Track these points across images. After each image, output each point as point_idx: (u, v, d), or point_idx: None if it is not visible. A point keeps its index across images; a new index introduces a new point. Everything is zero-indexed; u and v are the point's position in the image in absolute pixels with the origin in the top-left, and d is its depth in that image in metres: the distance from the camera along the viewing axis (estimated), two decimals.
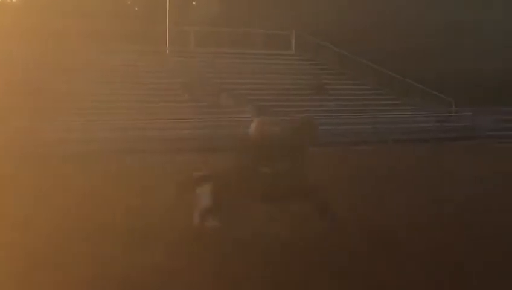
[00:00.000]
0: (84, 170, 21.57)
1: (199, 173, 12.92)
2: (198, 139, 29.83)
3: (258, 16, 43.56)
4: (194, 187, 13.01)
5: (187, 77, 37.18)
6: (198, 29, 42.38)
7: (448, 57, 45.33)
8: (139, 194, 16.71)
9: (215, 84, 37.23)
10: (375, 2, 46.71)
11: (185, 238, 12.02)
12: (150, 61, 38.08)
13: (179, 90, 36.39)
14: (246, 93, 37.50)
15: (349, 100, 39.26)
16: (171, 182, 15.04)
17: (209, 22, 42.26)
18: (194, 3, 44.98)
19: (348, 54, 43.17)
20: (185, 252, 11.15)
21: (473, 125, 37.29)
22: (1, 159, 22.63)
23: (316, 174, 18.85)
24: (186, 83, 36.58)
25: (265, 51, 42.91)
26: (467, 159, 27.75)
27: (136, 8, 41.55)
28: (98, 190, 17.28)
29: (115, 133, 29.30)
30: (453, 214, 14.70)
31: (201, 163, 20.14)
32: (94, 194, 16.57)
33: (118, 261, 10.52)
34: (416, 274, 9.98)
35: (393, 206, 15.50)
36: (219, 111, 34.56)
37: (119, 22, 39.49)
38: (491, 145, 33.47)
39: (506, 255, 11.14)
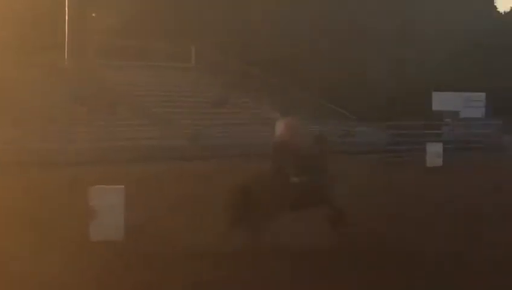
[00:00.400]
0: None
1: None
2: (95, 151, 29.38)
3: (159, 29, 43.33)
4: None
5: (86, 89, 36.62)
6: (97, 41, 41.83)
7: (349, 73, 46.08)
8: (31, 206, 16.46)
9: (114, 96, 36.86)
10: (281, 19, 47.06)
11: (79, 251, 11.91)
12: (48, 73, 37.34)
13: (77, 102, 35.76)
14: (145, 106, 37.25)
15: (247, 113, 39.44)
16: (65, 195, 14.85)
17: (108, 34, 41.82)
18: (93, 15, 44.33)
19: (248, 68, 43.33)
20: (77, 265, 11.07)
21: (372, 140, 37.80)
22: None
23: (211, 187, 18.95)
24: (84, 95, 36.00)
25: (165, 64, 42.68)
26: (365, 172, 28.30)
27: (34, 19, 40.66)
28: None
29: (6, 146, 28.46)
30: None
31: (97, 175, 19.92)
32: None
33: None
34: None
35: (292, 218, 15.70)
36: (117, 124, 34.23)
37: (14, 32, 38.68)
38: (388, 159, 34.16)
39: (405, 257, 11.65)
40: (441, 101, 43.71)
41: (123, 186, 13.44)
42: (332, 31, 47.45)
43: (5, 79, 34.66)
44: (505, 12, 62.83)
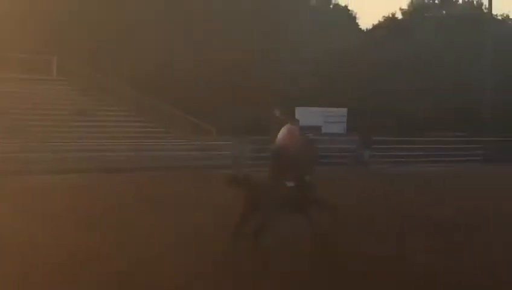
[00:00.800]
0: None
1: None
2: None
3: (19, 40, 42.21)
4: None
5: None
6: None
7: (213, 87, 46.20)
8: None
9: None
10: (147, 33, 46.72)
11: None
12: None
13: None
14: (4, 118, 36.23)
15: (111, 127, 38.93)
16: None
17: None
18: None
19: (111, 80, 42.78)
20: None
21: (232, 153, 37.88)
22: None
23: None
24: None
25: (26, 75, 41.61)
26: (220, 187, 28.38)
27: None
28: None
29: None
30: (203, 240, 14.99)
31: None
32: None
33: None
34: None
35: (151, 235, 15.57)
36: None
37: None
38: (251, 173, 34.36)
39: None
40: (304, 116, 44.32)
41: None
42: (196, 47, 47.45)
43: None
44: (367, 29, 64.56)
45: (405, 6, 66.75)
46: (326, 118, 45.53)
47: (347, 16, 62.67)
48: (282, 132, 14.83)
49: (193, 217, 17.88)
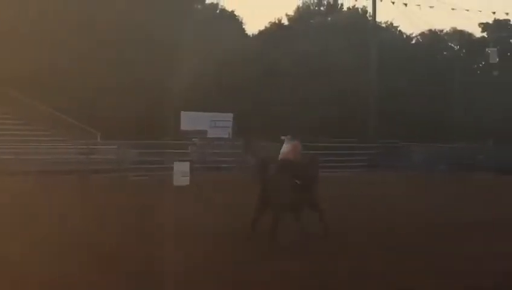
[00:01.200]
0: None
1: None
2: None
3: None
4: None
5: None
6: None
7: (94, 89, 45.44)
8: None
9: None
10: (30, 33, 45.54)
11: None
12: None
13: None
14: None
15: None
16: None
17: None
18: None
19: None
20: None
21: (116, 158, 37.25)
22: None
23: None
24: None
25: None
26: (107, 192, 28.17)
27: None
28: None
29: None
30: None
31: None
32: None
33: None
34: None
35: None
36: None
37: None
38: (130, 177, 34.30)
39: None
40: (189, 120, 44.17)
41: None
42: (82, 50, 46.54)
43: None
44: (253, 34, 64.65)
45: (291, 13, 67.15)
46: (212, 123, 45.43)
47: (234, 21, 62.54)
48: (287, 146, 16.84)
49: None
